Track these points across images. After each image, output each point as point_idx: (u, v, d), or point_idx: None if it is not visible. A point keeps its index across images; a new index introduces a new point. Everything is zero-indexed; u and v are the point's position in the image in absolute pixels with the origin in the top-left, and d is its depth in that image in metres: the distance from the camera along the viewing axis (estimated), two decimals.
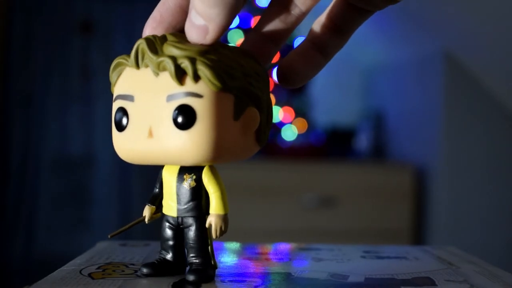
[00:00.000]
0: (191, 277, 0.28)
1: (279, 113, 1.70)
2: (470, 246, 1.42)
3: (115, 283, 0.28)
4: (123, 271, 0.31)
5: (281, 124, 1.69)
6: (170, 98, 0.26)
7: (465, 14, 1.29)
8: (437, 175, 1.49)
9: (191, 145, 0.26)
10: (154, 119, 0.26)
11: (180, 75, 0.26)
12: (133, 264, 0.33)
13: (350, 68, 2.03)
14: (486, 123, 1.50)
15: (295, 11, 0.30)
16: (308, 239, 1.45)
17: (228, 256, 0.37)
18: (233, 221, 1.27)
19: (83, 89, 1.79)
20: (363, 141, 1.82)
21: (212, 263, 0.29)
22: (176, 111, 0.26)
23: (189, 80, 0.26)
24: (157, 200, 0.31)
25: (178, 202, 0.29)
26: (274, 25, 0.30)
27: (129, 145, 0.28)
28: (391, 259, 0.36)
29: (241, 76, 0.27)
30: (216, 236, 0.28)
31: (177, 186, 0.29)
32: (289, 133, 1.68)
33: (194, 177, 0.28)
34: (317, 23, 0.31)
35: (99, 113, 1.79)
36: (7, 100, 1.75)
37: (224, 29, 0.27)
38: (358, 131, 1.86)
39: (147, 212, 0.31)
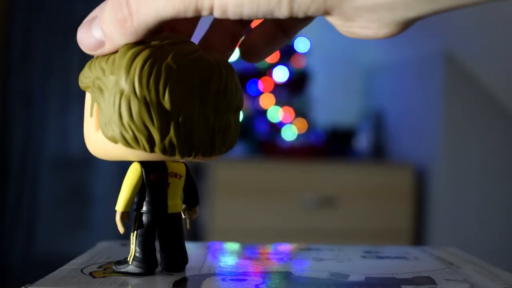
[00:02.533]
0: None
1: (279, 113, 1.70)
2: (470, 246, 1.42)
3: (116, 281, 0.28)
4: None
5: (281, 124, 1.69)
6: None
7: (465, 14, 1.29)
8: (437, 175, 1.49)
9: None
10: None
11: None
12: None
13: (350, 68, 2.03)
14: (486, 123, 1.50)
15: None
16: (308, 239, 1.45)
17: (228, 256, 0.37)
18: (234, 221, 1.27)
19: None
20: (363, 141, 1.82)
21: (128, 258, 0.30)
22: None
23: None
24: (186, 198, 0.32)
25: None
26: None
27: None
28: (391, 259, 0.36)
29: (94, 73, 0.28)
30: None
31: None
32: (289, 133, 1.68)
33: None
34: None
35: None
36: (7, 100, 1.75)
37: (118, 49, 0.27)
38: (358, 131, 1.86)
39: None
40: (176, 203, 0.30)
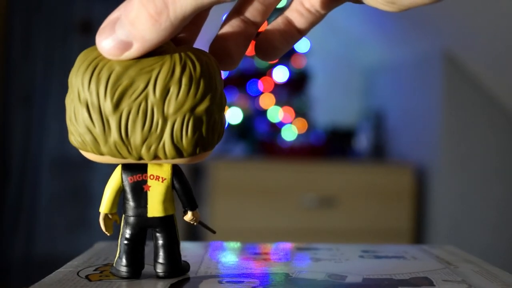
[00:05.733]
0: None
1: (279, 113, 1.70)
2: (470, 246, 1.42)
3: (112, 285, 0.28)
4: None
5: (281, 124, 1.69)
6: None
7: (465, 14, 1.29)
8: (437, 175, 1.49)
9: None
10: None
11: None
12: None
13: (350, 68, 2.03)
14: (486, 123, 1.50)
15: None
16: (308, 239, 1.45)
17: (226, 256, 0.37)
18: (234, 221, 1.27)
19: None
20: (363, 141, 1.82)
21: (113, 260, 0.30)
22: None
23: None
24: (181, 203, 0.31)
25: None
26: (253, 6, 0.30)
27: None
28: (389, 258, 0.36)
29: None
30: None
31: None
32: (289, 133, 1.68)
33: None
34: (294, 2, 0.31)
35: None
36: (7, 100, 1.75)
37: (147, 52, 0.26)
38: (358, 131, 1.86)
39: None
40: (160, 206, 0.29)
